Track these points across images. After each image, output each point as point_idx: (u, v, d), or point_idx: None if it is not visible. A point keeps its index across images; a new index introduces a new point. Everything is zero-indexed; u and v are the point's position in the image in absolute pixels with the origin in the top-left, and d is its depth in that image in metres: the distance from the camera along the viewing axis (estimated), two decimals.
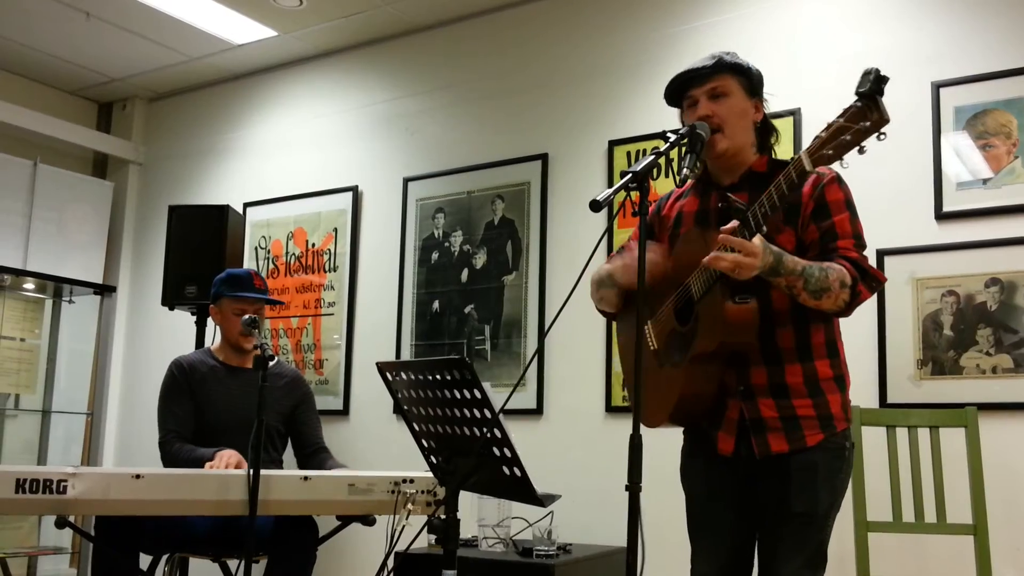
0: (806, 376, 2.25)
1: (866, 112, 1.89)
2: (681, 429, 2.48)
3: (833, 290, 2.13)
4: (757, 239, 2.06)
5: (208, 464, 3.33)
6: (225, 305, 3.77)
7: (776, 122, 3.64)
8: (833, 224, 2.24)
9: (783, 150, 3.70)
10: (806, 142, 3.64)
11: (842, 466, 2.28)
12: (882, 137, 1.90)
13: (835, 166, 1.99)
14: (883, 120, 1.88)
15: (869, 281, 2.20)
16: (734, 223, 2.08)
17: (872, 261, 3.37)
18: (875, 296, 3.40)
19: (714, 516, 2.37)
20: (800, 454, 2.22)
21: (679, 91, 2.39)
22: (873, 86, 1.87)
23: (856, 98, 1.90)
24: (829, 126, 1.95)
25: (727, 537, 2.36)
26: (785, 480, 2.22)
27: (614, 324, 2.75)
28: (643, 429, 1.96)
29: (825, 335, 2.29)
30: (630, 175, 2.02)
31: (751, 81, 2.36)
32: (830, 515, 2.28)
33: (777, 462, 2.23)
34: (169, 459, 3.58)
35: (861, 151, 1.93)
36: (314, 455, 3.80)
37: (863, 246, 2.26)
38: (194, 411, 3.69)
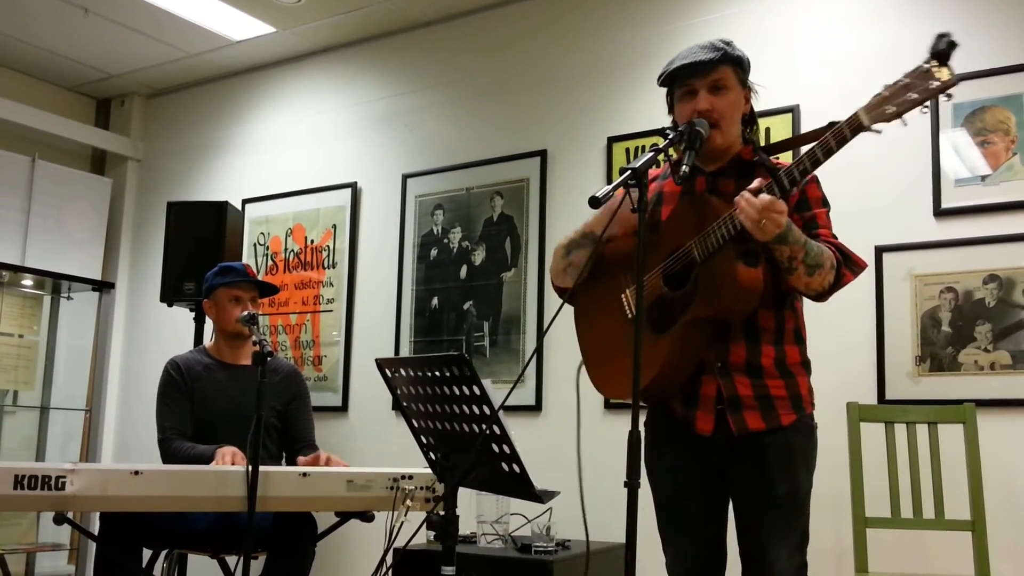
0: (777, 358, 2.28)
1: (934, 73, 1.92)
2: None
3: (825, 268, 2.17)
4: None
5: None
6: (220, 295, 3.76)
7: (774, 118, 3.71)
8: (815, 215, 2.30)
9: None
10: None
11: (813, 445, 2.33)
12: (950, 97, 1.94)
13: (895, 124, 1.98)
14: (954, 81, 1.92)
15: (852, 265, 2.25)
16: (760, 181, 2.09)
17: (871, 258, 3.41)
18: (873, 292, 3.41)
19: (686, 510, 2.36)
20: (775, 434, 2.24)
21: (677, 76, 2.37)
22: (947, 48, 1.91)
23: (926, 59, 1.93)
24: (892, 85, 1.97)
25: (700, 532, 2.36)
26: (764, 463, 2.24)
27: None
28: (641, 426, 1.95)
29: (795, 322, 2.34)
30: (629, 171, 2.02)
31: (744, 71, 2.38)
32: (808, 494, 2.31)
33: (753, 443, 2.24)
34: (169, 457, 3.57)
35: (924, 110, 1.95)
36: (300, 452, 3.80)
37: (837, 239, 2.32)
38: (191, 409, 3.69)
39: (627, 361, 2.29)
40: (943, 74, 1.91)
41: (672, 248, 2.28)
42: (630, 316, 2.36)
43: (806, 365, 2.35)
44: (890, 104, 1.96)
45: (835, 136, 2.03)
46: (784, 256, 2.15)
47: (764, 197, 2.05)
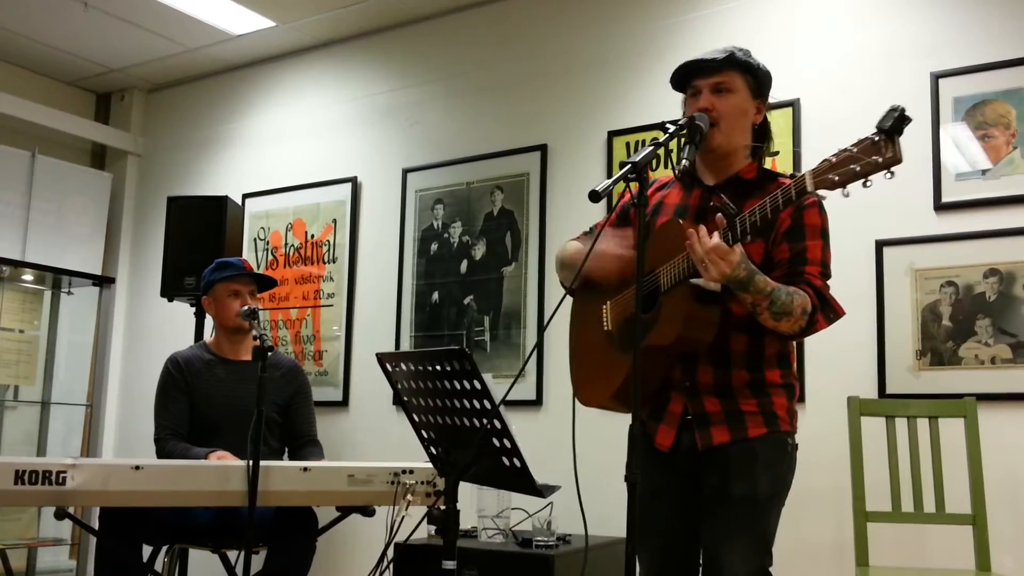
0: (752, 381, 2.27)
1: (881, 148, 1.86)
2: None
3: (794, 315, 2.16)
4: (737, 247, 2.07)
5: None
6: (219, 290, 3.77)
7: (775, 113, 3.69)
8: (806, 248, 2.25)
9: (781, 143, 3.71)
10: (805, 134, 3.68)
11: (784, 458, 2.29)
12: (889, 176, 1.88)
13: (836, 193, 1.95)
14: (896, 160, 1.86)
15: (828, 312, 2.22)
16: (719, 219, 2.09)
17: (871, 252, 3.41)
18: (873, 287, 3.41)
19: (656, 516, 2.36)
20: (740, 443, 2.24)
21: (685, 78, 2.38)
22: (894, 124, 1.85)
23: (874, 132, 1.88)
24: (840, 153, 1.93)
25: (670, 537, 2.36)
26: (724, 468, 2.24)
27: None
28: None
29: (778, 346, 2.31)
30: (629, 166, 2.01)
31: (758, 81, 2.35)
32: (772, 504, 2.28)
33: (717, 453, 2.25)
34: (165, 457, 3.58)
35: (866, 184, 1.90)
36: (302, 447, 3.81)
37: (828, 275, 2.28)
38: (190, 406, 3.70)
39: (595, 370, 2.40)
40: (888, 151, 1.85)
41: (649, 268, 2.29)
42: (607, 328, 2.40)
43: (787, 387, 2.32)
44: (835, 172, 1.92)
45: (783, 195, 2.01)
46: (747, 302, 2.15)
47: (713, 240, 2.06)
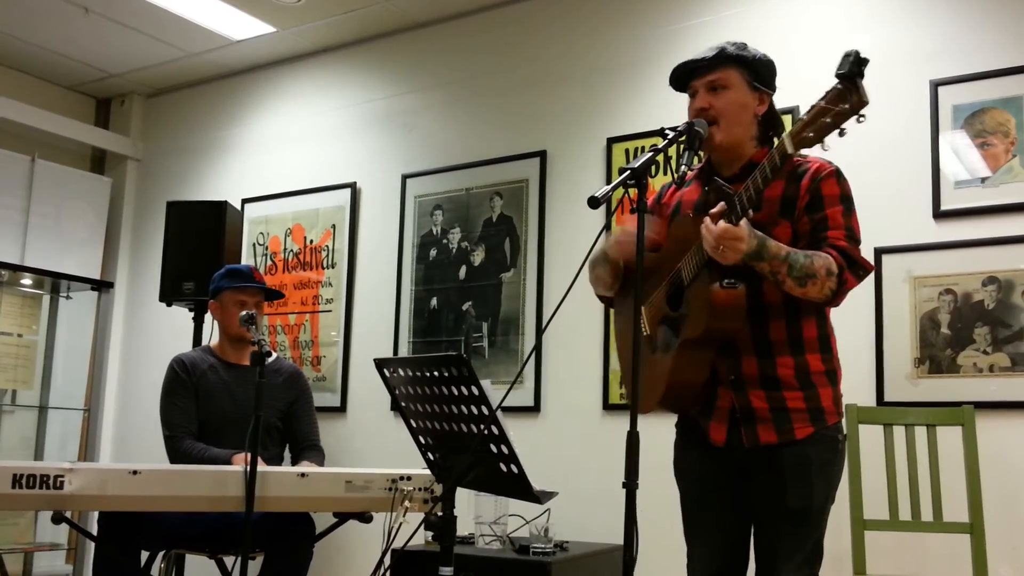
0: (797, 369, 2.25)
1: (846, 94, 1.88)
2: (672, 423, 2.48)
3: (819, 277, 2.13)
4: (743, 223, 2.07)
5: None
6: (226, 298, 3.77)
7: None
8: (826, 216, 2.23)
9: None
10: None
11: (835, 458, 2.29)
12: (861, 119, 1.89)
13: (817, 150, 1.98)
14: (862, 102, 1.87)
15: (856, 269, 2.20)
16: (721, 206, 2.09)
17: (870, 259, 3.39)
18: (872, 294, 3.41)
19: (708, 513, 2.38)
20: (791, 447, 2.22)
21: (683, 80, 2.38)
22: (853, 68, 1.86)
23: (836, 80, 1.89)
24: (811, 109, 1.95)
25: (721, 534, 2.36)
26: (779, 476, 2.23)
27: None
28: (640, 426, 1.95)
29: (818, 329, 2.29)
30: (628, 172, 2.02)
31: (755, 72, 2.33)
32: (825, 508, 2.28)
33: (768, 455, 2.23)
34: (179, 456, 3.57)
35: (841, 133, 1.92)
36: (303, 451, 3.81)
37: (855, 240, 2.24)
38: (196, 407, 3.70)
39: (644, 375, 2.32)
40: (853, 96, 1.87)
41: (674, 266, 2.30)
42: (646, 332, 2.37)
43: (831, 374, 2.30)
44: (809, 129, 1.94)
45: (769, 163, 2.03)
46: (766, 271, 2.15)
47: (721, 226, 2.06)
